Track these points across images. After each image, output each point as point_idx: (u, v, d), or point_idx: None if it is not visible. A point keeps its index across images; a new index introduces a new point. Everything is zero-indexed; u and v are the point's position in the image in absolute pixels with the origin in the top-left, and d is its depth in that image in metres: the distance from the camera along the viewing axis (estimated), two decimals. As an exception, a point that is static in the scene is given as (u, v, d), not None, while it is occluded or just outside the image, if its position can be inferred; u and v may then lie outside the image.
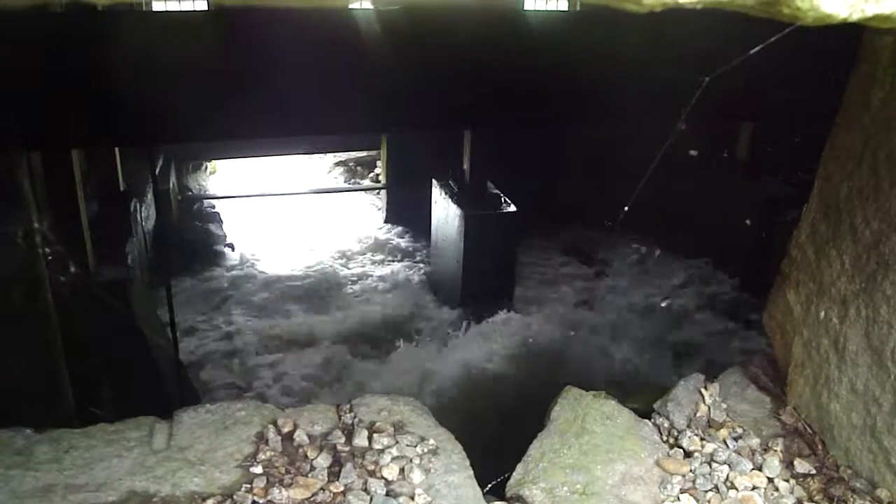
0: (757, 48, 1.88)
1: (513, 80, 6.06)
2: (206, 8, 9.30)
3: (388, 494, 2.61)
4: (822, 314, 2.99)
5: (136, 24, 5.52)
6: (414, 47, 5.72)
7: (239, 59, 5.56)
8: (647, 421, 3.14)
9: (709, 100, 2.36)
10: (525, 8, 9.26)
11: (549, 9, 10.54)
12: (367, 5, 5.93)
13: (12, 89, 4.94)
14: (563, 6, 10.90)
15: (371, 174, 15.81)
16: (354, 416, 3.01)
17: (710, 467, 2.85)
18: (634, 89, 5.77)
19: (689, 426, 3.07)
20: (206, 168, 15.09)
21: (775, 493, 2.76)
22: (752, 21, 1.29)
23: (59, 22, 5.56)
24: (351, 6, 5.78)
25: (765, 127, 10.92)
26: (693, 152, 11.33)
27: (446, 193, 10.70)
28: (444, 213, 10.78)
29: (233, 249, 12.37)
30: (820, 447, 2.97)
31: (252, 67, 5.63)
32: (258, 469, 2.69)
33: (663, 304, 11.02)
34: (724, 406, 3.21)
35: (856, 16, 1.14)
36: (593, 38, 6.00)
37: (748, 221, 10.74)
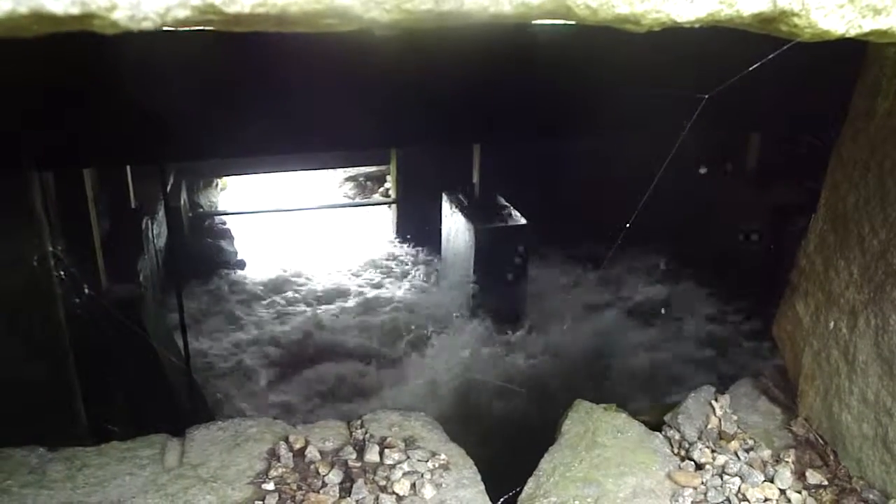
0: (756, 65, 1.89)
1: (521, 93, 6.08)
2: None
3: (399, 510, 2.62)
4: (832, 324, 2.98)
5: (145, 44, 5.57)
6: (422, 61, 5.74)
7: (247, 76, 5.60)
8: (657, 434, 3.14)
9: (712, 112, 2.37)
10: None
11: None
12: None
13: (24, 109, 4.99)
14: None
15: (381, 189, 15.84)
16: (366, 432, 3.01)
17: (722, 479, 2.84)
18: (642, 101, 5.78)
19: (700, 438, 3.06)
20: (217, 184, 15.16)
21: (787, 505, 2.76)
22: (753, 36, 1.31)
23: (69, 41, 5.62)
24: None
25: (771, 137, 10.90)
26: (702, 168, 11.31)
27: (456, 207, 10.72)
28: (455, 226, 10.80)
29: (244, 266, 12.40)
30: (832, 458, 2.95)
31: (260, 85, 5.67)
32: (270, 486, 2.69)
33: (663, 312, 11.00)
34: (735, 418, 3.20)
35: (853, 32, 1.15)
36: (600, 51, 6.01)
37: (749, 231, 10.75)
